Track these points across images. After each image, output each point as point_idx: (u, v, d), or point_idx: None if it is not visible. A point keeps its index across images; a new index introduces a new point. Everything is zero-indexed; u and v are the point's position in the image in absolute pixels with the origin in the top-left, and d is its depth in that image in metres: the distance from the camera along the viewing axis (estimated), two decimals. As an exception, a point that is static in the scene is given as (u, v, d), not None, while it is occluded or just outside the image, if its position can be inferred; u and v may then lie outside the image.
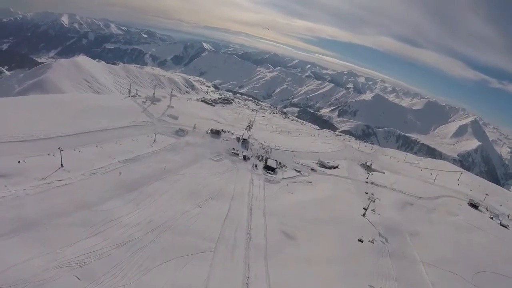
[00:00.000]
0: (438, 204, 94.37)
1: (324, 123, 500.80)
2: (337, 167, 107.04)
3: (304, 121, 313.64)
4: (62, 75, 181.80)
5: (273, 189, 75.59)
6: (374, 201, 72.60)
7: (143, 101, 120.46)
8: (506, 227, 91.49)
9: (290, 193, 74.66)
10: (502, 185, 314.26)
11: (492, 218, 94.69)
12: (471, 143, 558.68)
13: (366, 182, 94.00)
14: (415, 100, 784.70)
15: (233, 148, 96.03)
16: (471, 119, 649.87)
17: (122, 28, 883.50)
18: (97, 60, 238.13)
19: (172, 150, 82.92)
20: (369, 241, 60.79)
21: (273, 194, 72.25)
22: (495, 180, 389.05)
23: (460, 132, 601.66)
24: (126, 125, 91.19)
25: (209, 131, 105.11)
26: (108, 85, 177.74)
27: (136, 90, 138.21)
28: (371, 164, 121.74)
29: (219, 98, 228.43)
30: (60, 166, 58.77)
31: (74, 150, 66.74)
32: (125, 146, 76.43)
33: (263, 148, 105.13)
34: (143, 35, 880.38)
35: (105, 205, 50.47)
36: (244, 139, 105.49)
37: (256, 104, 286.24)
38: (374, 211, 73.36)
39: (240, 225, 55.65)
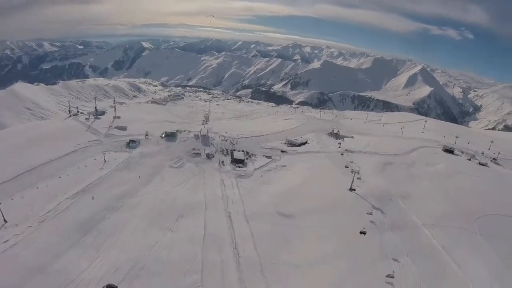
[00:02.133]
0: (415, 157, 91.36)
1: (280, 99, 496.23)
2: (306, 142, 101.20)
3: (259, 101, 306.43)
4: (1, 108, 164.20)
5: (248, 184, 67.92)
6: (358, 172, 66.50)
7: (86, 118, 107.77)
8: (485, 165, 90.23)
9: (267, 185, 67.47)
10: (461, 123, 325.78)
11: (469, 159, 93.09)
12: (424, 90, 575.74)
13: (342, 154, 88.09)
14: (362, 59, 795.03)
15: (194, 148, 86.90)
16: (419, 67, 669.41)
17: (56, 44, 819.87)
18: (36, 83, 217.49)
19: (125, 168, 72.61)
20: (367, 213, 55.57)
21: (248, 190, 64.54)
22: (453, 120, 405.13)
23: (411, 82, 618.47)
24: (71, 150, 78.63)
25: (163, 135, 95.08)
26: (51, 108, 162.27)
27: (77, 107, 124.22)
28: (339, 131, 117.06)
29: (169, 96, 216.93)
30: (4, 222, 47.82)
31: (12, 199, 54.38)
32: (73, 177, 64.89)
33: (226, 140, 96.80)
34: (79, 46, 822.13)
35: (60, 262, 40.64)
36: (203, 135, 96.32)
37: (208, 94, 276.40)
38: (360, 178, 68.04)
39: (223, 241, 47.59)
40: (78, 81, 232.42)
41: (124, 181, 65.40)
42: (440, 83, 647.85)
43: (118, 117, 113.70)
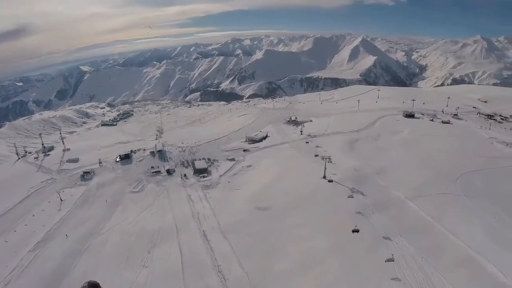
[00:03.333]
0: (378, 128, 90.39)
1: (229, 96, 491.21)
2: (267, 136, 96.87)
3: (210, 102, 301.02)
4: None
5: (216, 194, 61.86)
6: (329, 158, 62.52)
7: (35, 158, 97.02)
8: (448, 122, 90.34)
9: (237, 190, 61.90)
10: (410, 86, 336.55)
11: (432, 120, 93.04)
12: (368, 60, 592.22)
13: (307, 142, 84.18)
14: (302, 42, 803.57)
15: (152, 167, 79.59)
16: (359, 39, 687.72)
17: None
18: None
19: (84, 203, 64.28)
20: (348, 197, 51.94)
21: (219, 201, 58.49)
22: (402, 83, 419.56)
23: (354, 55, 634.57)
24: (24, 196, 68.83)
25: (117, 159, 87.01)
26: (2, 152, 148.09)
27: (24, 147, 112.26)
28: (296, 118, 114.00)
29: (118, 115, 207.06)
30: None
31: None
32: (31, 226, 56.39)
33: (184, 151, 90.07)
34: (18, 84, 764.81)
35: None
36: (159, 151, 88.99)
37: (157, 105, 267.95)
38: (331, 161, 64.41)
39: (204, 265, 41.36)
40: (24, 119, 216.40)
41: (85, 219, 57.67)
42: (383, 50, 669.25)
43: (68, 149, 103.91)
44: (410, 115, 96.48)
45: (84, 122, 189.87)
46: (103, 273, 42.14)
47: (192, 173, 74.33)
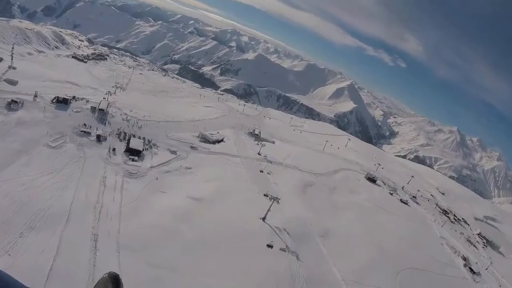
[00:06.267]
0: (337, 180, 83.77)
1: (206, 82, 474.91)
2: (222, 140, 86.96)
3: (185, 79, 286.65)
4: None
5: (136, 188, 50.32)
6: (278, 202, 52.61)
7: None
8: (406, 203, 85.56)
9: (161, 193, 50.84)
10: (375, 144, 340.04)
11: (391, 193, 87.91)
12: (347, 105, 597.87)
13: (261, 171, 73.54)
14: (296, 62, 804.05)
15: (84, 124, 66.54)
16: (348, 82, 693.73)
17: None
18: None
19: None
20: (280, 249, 43.50)
21: (135, 198, 47.19)
22: (369, 139, 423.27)
23: (337, 94, 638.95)
24: None
25: (54, 100, 73.01)
26: None
27: None
28: (260, 133, 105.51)
29: (92, 54, 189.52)
30: None
31: None
32: None
33: (128, 121, 77.79)
34: None
35: None
36: (101, 109, 75.90)
37: (134, 61, 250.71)
38: (278, 202, 54.66)
39: (74, 284, 30.80)
40: (1, 20, 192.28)
41: None
42: (365, 102, 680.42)
43: (14, 68, 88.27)
44: (372, 180, 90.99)
45: (56, 47, 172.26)
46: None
47: (123, 150, 62.42)
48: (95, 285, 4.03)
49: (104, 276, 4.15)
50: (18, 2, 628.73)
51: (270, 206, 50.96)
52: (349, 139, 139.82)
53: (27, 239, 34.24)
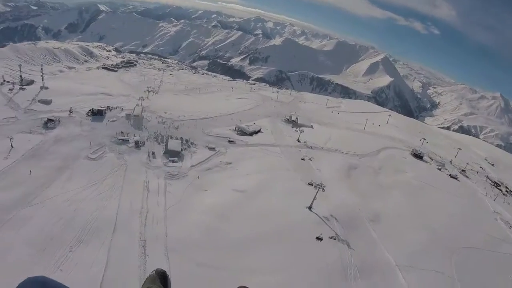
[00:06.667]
0: (381, 160, 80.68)
1: (236, 73, 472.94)
2: (259, 130, 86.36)
3: (215, 74, 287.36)
4: None
5: (179, 189, 50.96)
6: (323, 189, 51.22)
7: (10, 89, 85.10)
8: (456, 178, 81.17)
9: (204, 191, 51.13)
10: (416, 118, 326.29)
11: (440, 169, 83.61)
12: (384, 80, 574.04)
13: (303, 159, 72.28)
14: (325, 41, 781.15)
15: (121, 132, 68.21)
16: (381, 56, 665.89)
17: (10, 4, 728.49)
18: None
19: (33, 157, 53.15)
20: (329, 237, 43.21)
21: (178, 200, 47.71)
22: (410, 113, 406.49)
23: (371, 70, 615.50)
24: None
25: (89, 113, 75.12)
26: None
27: (3, 76, 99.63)
28: (297, 118, 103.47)
29: (121, 62, 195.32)
30: None
31: None
32: None
33: (164, 123, 78.73)
34: (33, 7, 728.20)
35: None
36: (136, 116, 77.43)
37: (162, 63, 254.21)
38: (324, 190, 53.25)
39: None
40: (29, 44, 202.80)
41: (23, 179, 46.53)
42: (401, 74, 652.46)
43: (46, 88, 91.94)
44: (418, 156, 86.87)
45: (86, 61, 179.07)
46: (10, 262, 32.15)
47: (162, 152, 63.49)
48: (144, 282, 4.12)
49: (152, 273, 4.33)
50: (41, 24, 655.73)
51: (316, 194, 49.94)
52: (390, 115, 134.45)
53: (77, 253, 35.61)
